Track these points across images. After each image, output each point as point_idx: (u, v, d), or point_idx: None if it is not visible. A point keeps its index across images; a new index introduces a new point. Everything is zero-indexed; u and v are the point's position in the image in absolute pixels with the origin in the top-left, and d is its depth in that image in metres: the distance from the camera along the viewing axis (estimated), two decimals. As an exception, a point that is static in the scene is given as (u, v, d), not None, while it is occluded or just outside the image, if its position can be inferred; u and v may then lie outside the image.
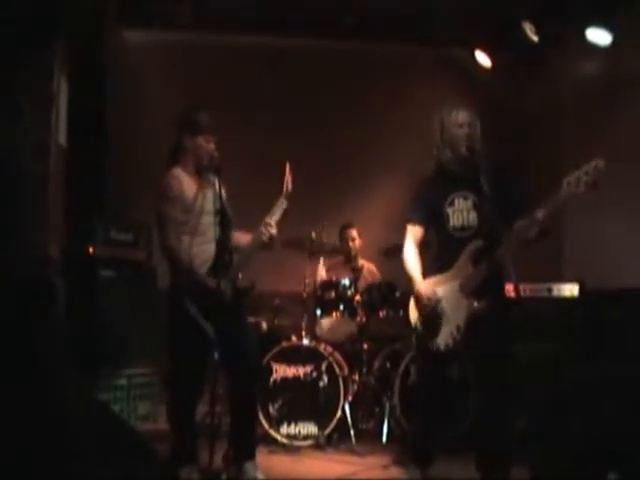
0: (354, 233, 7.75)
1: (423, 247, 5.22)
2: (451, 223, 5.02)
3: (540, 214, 4.60)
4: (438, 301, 4.97)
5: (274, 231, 5.11)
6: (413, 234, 5.22)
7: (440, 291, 5.00)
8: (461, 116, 5.03)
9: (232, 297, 4.93)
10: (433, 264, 5.13)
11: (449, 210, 5.03)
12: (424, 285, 5.06)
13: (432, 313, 4.99)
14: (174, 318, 5.04)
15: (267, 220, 5.11)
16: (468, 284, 4.88)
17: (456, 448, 5.57)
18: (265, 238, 5.10)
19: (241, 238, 5.23)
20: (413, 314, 5.15)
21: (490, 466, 4.88)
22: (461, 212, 5.01)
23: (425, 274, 5.12)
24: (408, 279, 5.18)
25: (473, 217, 4.99)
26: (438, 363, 5.12)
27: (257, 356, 5.51)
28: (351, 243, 7.72)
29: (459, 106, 5.12)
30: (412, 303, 5.17)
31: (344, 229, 7.80)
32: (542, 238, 4.71)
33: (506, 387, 4.89)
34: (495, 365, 4.84)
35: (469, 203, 5.01)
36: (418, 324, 5.11)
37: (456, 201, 5.03)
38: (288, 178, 5.18)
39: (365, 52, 8.90)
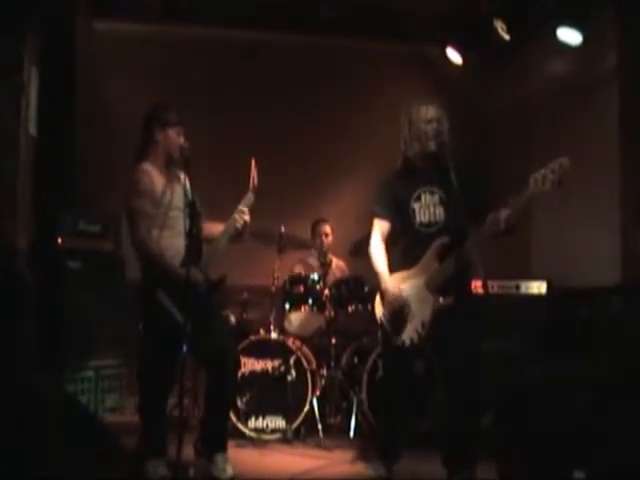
0: (327, 229, 7.77)
1: (390, 242, 5.21)
2: (418, 219, 5.02)
3: (506, 212, 4.63)
4: (404, 298, 4.98)
5: (247, 217, 5.13)
6: (380, 228, 5.22)
7: (406, 287, 5.00)
8: (429, 112, 5.03)
9: (204, 288, 4.93)
10: (399, 259, 5.12)
11: (415, 205, 5.04)
12: (390, 281, 5.06)
13: (398, 309, 5.00)
14: (145, 310, 5.05)
15: (240, 207, 5.14)
16: (434, 280, 4.88)
17: (423, 444, 5.58)
18: (239, 225, 5.12)
19: (212, 228, 5.24)
20: (379, 309, 5.17)
21: (456, 462, 4.89)
22: (428, 207, 5.01)
23: (392, 269, 5.12)
24: (374, 274, 5.18)
25: (440, 212, 4.99)
26: (403, 359, 5.16)
27: (232, 347, 5.50)
28: (324, 238, 7.73)
29: (427, 102, 5.11)
30: (378, 299, 5.19)
31: (317, 224, 7.82)
32: (508, 235, 4.72)
33: (471, 383, 4.88)
34: (460, 361, 4.84)
35: (435, 198, 5.01)
36: (384, 320, 5.12)
37: (422, 196, 5.03)
38: (254, 173, 5.20)
39: (336, 48, 8.90)
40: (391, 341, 5.05)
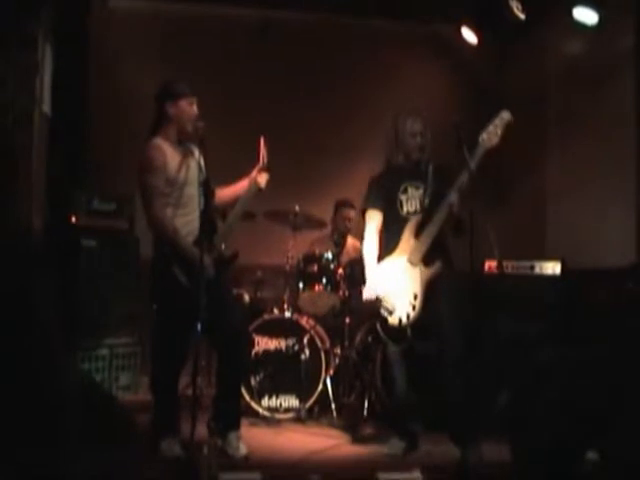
0: (352, 213, 7.68)
1: (382, 230, 5.60)
2: (405, 209, 5.47)
3: (461, 179, 5.07)
4: (379, 300, 5.38)
5: (267, 176, 5.28)
6: (373, 220, 5.60)
7: (392, 268, 5.38)
8: (415, 126, 5.45)
9: (216, 269, 4.94)
10: (391, 244, 5.47)
11: (402, 197, 5.48)
12: (371, 280, 5.48)
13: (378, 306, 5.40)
14: (159, 286, 5.04)
15: (260, 166, 5.24)
16: (414, 255, 5.28)
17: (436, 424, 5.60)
18: (262, 185, 5.24)
19: (226, 191, 5.32)
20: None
21: (461, 435, 5.00)
22: (413, 199, 5.46)
23: (385, 254, 5.48)
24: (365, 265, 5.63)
25: (423, 202, 5.40)
26: (402, 336, 5.35)
27: (244, 325, 5.54)
28: (347, 222, 7.72)
29: (414, 114, 5.54)
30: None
31: (342, 206, 7.78)
32: (458, 231, 5.23)
33: (463, 342, 5.20)
34: (449, 323, 5.20)
35: (420, 191, 5.44)
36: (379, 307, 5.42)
37: (409, 189, 5.48)
38: (263, 152, 5.25)
39: (351, 27, 8.85)
40: (387, 323, 5.37)
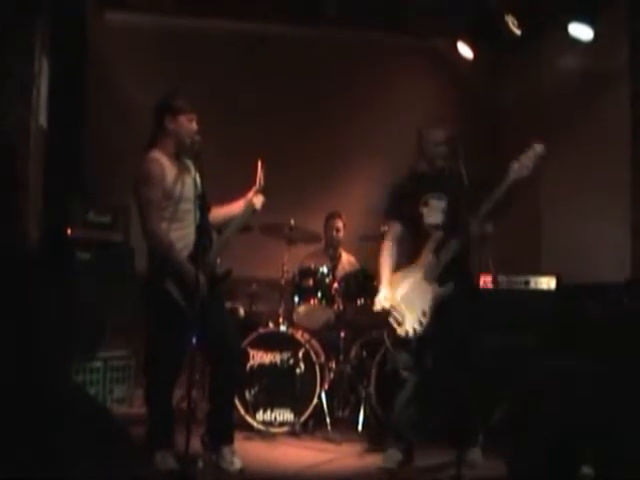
0: (340, 223, 7.78)
1: (401, 242, 5.58)
2: (426, 221, 5.41)
3: (486, 206, 5.05)
4: (387, 311, 5.37)
5: (263, 198, 5.27)
6: (391, 231, 5.62)
7: (405, 282, 5.39)
8: (441, 136, 5.39)
9: (209, 285, 4.94)
10: (408, 256, 5.49)
11: (424, 209, 5.43)
12: (383, 293, 5.42)
13: (390, 312, 5.37)
14: (154, 300, 5.03)
15: (256, 188, 5.24)
16: (431, 272, 5.27)
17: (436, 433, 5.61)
18: (258, 206, 5.23)
19: (222, 211, 5.31)
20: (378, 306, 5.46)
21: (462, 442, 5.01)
22: (434, 211, 5.41)
23: (402, 265, 5.49)
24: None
25: (445, 215, 5.37)
26: (409, 348, 5.37)
27: (237, 340, 5.55)
28: (335, 233, 7.75)
29: (438, 124, 5.54)
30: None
31: (331, 217, 7.82)
32: (483, 240, 5.27)
33: (463, 367, 5.11)
34: (457, 344, 5.11)
35: (442, 203, 5.39)
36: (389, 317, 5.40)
37: (430, 201, 5.42)
38: (260, 174, 5.26)
39: (347, 40, 8.88)
40: (395, 333, 5.36)
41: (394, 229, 5.59)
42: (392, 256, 5.54)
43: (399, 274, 5.46)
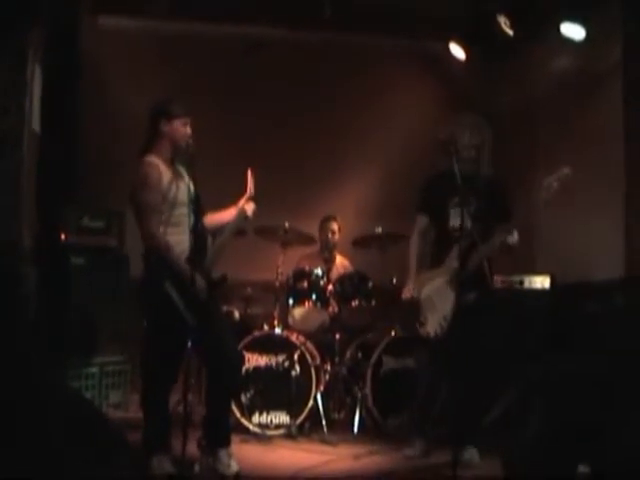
0: (335, 226, 7.77)
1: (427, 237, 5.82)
2: (451, 223, 5.55)
3: (515, 221, 5.35)
4: (416, 301, 5.56)
5: (254, 206, 5.29)
6: (419, 224, 5.79)
7: (431, 285, 5.57)
8: (472, 138, 5.56)
9: (206, 289, 4.94)
10: (433, 256, 5.71)
11: (451, 211, 5.55)
12: (412, 281, 5.67)
13: (412, 307, 5.57)
14: (152, 303, 5.03)
15: (247, 196, 5.24)
16: (455, 279, 5.36)
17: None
18: (249, 214, 5.25)
19: (215, 217, 5.31)
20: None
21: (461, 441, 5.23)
22: (461, 214, 5.31)
23: (424, 266, 5.73)
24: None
25: (470, 220, 5.31)
26: (431, 348, 5.61)
27: (235, 345, 5.56)
28: (330, 235, 7.74)
29: (471, 126, 5.61)
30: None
31: (326, 220, 7.82)
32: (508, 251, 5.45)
33: (477, 374, 5.39)
34: (474, 352, 5.34)
35: (470, 208, 5.36)
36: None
37: (459, 204, 5.37)
38: (251, 182, 5.27)
39: (342, 44, 8.88)
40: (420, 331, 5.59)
41: (421, 222, 5.76)
42: (417, 249, 5.74)
43: (427, 274, 5.64)
